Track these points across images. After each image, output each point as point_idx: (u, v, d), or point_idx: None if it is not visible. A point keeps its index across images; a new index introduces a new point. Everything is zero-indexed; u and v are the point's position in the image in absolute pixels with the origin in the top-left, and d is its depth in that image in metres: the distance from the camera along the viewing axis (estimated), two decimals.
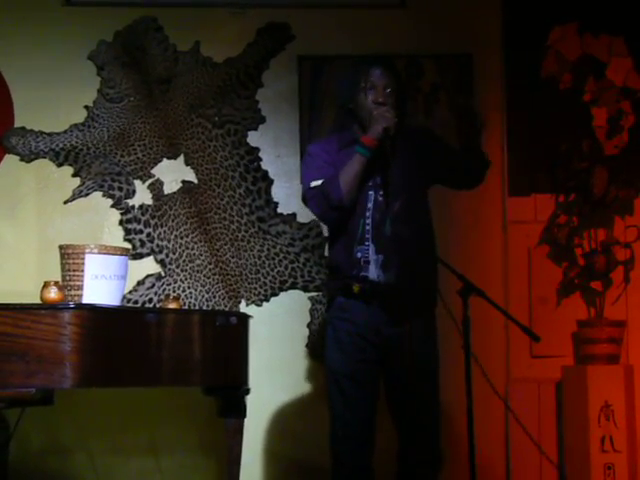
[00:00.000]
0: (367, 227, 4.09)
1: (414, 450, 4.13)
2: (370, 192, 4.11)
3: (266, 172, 5.58)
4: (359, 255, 4.09)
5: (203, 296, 5.52)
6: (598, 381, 5.31)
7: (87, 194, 5.52)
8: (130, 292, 5.43)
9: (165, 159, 5.57)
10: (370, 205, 4.10)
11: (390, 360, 4.12)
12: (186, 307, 5.40)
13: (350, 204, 4.07)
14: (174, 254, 5.52)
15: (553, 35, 5.59)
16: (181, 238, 5.53)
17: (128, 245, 5.44)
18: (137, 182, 5.55)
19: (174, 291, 5.47)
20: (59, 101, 5.52)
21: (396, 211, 4.07)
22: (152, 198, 5.55)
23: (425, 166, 4.19)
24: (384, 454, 4.31)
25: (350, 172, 4.06)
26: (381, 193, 4.10)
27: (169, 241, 5.52)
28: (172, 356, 4.10)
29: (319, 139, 4.40)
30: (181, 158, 5.57)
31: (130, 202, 5.54)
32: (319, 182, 4.11)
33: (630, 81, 5.56)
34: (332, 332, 4.19)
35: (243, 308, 5.49)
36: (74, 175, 5.53)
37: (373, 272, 4.08)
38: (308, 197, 4.18)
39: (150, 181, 5.56)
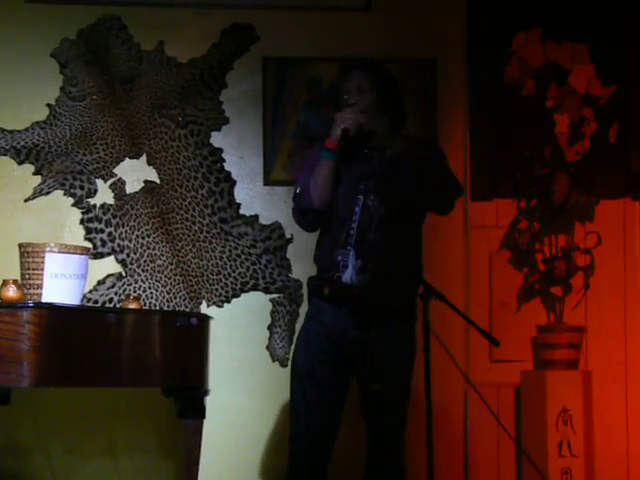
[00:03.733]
0: (351, 231, 4.09)
1: (376, 461, 4.14)
2: (359, 196, 4.10)
3: (229, 173, 5.57)
4: (339, 259, 4.09)
5: (164, 296, 5.50)
6: (557, 386, 5.34)
7: (48, 192, 5.49)
8: (90, 292, 5.41)
9: (127, 158, 5.55)
10: (357, 209, 4.10)
11: (357, 365, 4.12)
12: (147, 307, 5.38)
13: (323, 207, 4.09)
14: (135, 254, 5.50)
15: (517, 41, 5.63)
16: (142, 238, 5.51)
17: (89, 244, 5.41)
18: (99, 181, 5.52)
19: (135, 291, 5.45)
20: (21, 98, 5.48)
21: (383, 218, 4.07)
22: (114, 197, 5.52)
23: (421, 176, 4.17)
24: (351, 457, 4.34)
25: (318, 176, 4.08)
26: (372, 198, 4.10)
27: (130, 241, 5.50)
28: (132, 356, 4.09)
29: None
30: (143, 158, 5.55)
31: (91, 201, 5.51)
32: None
33: (592, 88, 5.61)
34: (303, 332, 4.21)
35: (204, 309, 5.48)
36: (35, 173, 5.49)
37: (347, 275, 4.09)
38: (293, 202, 4.22)
39: (112, 180, 5.53)
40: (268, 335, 5.51)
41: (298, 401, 4.14)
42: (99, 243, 5.48)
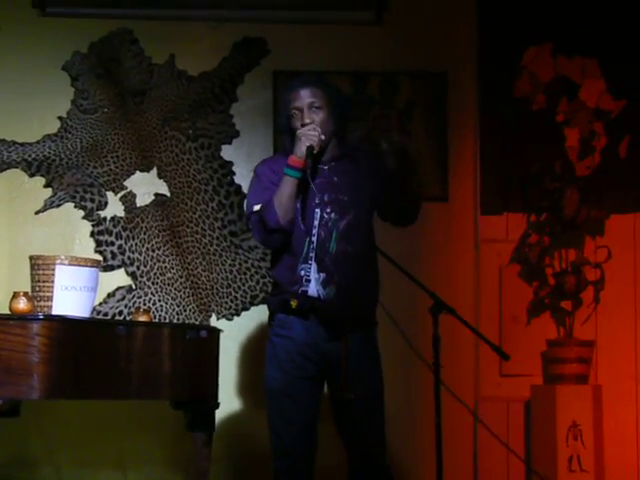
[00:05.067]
0: (312, 245, 4.07)
1: (361, 469, 4.12)
2: (317, 210, 4.09)
3: (239, 186, 5.58)
4: (302, 273, 4.07)
5: (174, 309, 5.50)
6: (567, 401, 5.33)
7: (59, 205, 5.50)
8: (100, 304, 5.41)
9: (138, 171, 5.56)
10: (316, 223, 4.09)
11: (330, 376, 4.11)
12: (156, 320, 5.38)
13: (288, 225, 4.07)
14: (145, 267, 5.50)
15: (527, 55, 5.63)
16: (152, 251, 5.51)
17: (99, 257, 5.42)
18: (109, 194, 5.54)
19: (145, 304, 5.45)
20: (32, 111, 5.51)
21: (342, 229, 4.07)
22: (124, 210, 5.53)
23: (370, 186, 4.17)
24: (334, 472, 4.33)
25: (282, 194, 4.05)
26: (328, 210, 4.10)
27: (140, 254, 5.51)
28: (141, 369, 4.09)
29: (266, 158, 4.41)
30: (154, 171, 5.56)
31: (102, 214, 5.52)
32: (259, 207, 4.11)
33: (603, 103, 5.60)
34: (272, 349, 4.14)
35: (214, 322, 5.48)
36: (46, 186, 5.51)
37: (313, 289, 4.07)
38: (250, 223, 4.18)
39: (122, 193, 5.54)
40: None
41: (276, 421, 4.09)
42: (109, 256, 5.49)
